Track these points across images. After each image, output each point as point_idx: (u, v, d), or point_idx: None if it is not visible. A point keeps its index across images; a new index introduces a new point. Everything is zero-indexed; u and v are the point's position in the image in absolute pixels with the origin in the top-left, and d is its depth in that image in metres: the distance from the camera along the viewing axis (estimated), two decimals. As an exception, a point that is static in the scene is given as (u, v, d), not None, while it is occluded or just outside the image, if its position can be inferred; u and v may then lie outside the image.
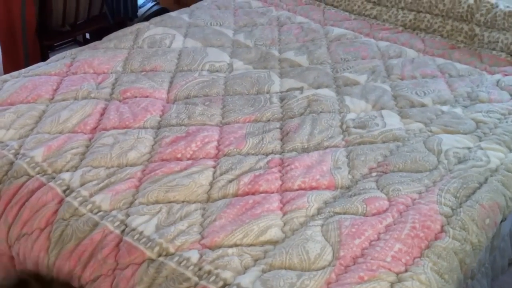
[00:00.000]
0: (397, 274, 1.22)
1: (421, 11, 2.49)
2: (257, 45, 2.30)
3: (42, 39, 2.87)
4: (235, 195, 1.46)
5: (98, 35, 3.27)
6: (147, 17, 3.42)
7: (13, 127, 1.75)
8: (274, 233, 1.32)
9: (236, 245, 1.29)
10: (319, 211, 1.39)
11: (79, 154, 1.63)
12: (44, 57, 2.89)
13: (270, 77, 2.05)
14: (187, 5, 3.55)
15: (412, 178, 1.52)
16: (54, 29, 2.93)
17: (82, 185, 1.51)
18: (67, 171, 1.57)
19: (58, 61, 2.11)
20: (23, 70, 2.06)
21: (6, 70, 2.83)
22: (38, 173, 1.57)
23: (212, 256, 1.26)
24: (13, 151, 1.65)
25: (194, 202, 1.44)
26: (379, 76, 2.07)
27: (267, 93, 1.96)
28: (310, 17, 2.59)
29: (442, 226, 1.36)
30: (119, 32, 2.36)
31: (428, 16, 2.47)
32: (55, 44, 3.21)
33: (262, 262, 1.25)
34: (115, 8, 2.85)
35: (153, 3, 3.77)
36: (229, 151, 1.63)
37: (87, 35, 3.48)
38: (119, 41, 2.26)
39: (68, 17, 2.93)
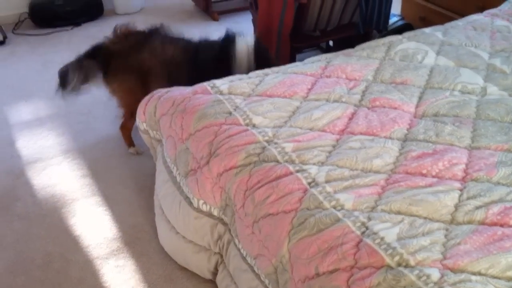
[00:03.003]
0: None
1: None
2: (516, 72, 2.17)
3: (293, 41, 3.08)
4: (482, 223, 1.40)
5: (340, 43, 3.42)
6: (391, 31, 3.45)
7: (269, 116, 1.92)
8: (525, 271, 1.24)
9: (480, 273, 1.24)
10: None
11: (326, 152, 1.73)
12: (292, 58, 3.12)
13: (529, 107, 1.91)
14: (432, 22, 3.50)
15: None
16: (306, 33, 3.13)
17: (327, 181, 1.60)
18: (313, 164, 1.68)
19: (314, 63, 2.25)
20: (282, 67, 2.25)
21: (258, 66, 3.12)
22: (286, 162, 1.70)
23: (454, 279, 1.23)
24: (266, 137, 1.82)
25: (437, 221, 1.42)
26: None
27: (524, 124, 1.83)
28: None
29: None
30: (372, 43, 2.42)
31: None
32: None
33: (507, 298, 1.18)
34: (367, 19, 2.92)
35: (398, 17, 3.78)
36: (478, 177, 1.57)
37: (330, 42, 3.65)
38: (372, 51, 2.32)
39: (320, 23, 3.11)
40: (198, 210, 1.89)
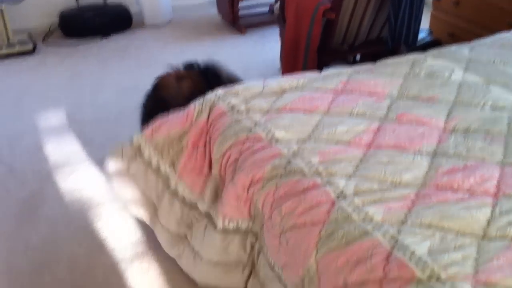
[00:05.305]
0: None
1: None
2: (547, 89, 2.14)
3: (321, 55, 3.09)
4: (515, 239, 1.38)
5: (367, 58, 3.42)
6: (420, 47, 3.45)
7: (291, 130, 1.90)
8: (560, 290, 1.22)
9: (513, 290, 1.22)
10: None
11: (353, 165, 1.72)
12: (319, 72, 3.13)
13: (560, 125, 1.89)
14: (461, 39, 3.49)
15: None
16: (333, 47, 3.14)
17: (355, 193, 1.59)
18: (341, 177, 1.67)
19: (334, 78, 2.25)
20: (302, 81, 2.24)
21: (285, 78, 3.13)
22: (313, 174, 1.70)
23: (486, 294, 1.21)
24: (292, 150, 1.81)
25: (469, 236, 1.40)
26: None
27: (556, 141, 1.80)
28: None
29: None
30: (396, 59, 2.41)
31: None
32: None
33: (542, 316, 1.16)
34: (396, 34, 2.92)
35: (427, 33, 3.78)
36: (511, 193, 1.55)
37: (357, 57, 3.65)
38: (396, 67, 2.31)
39: (348, 38, 3.12)
40: (224, 230, 1.85)
